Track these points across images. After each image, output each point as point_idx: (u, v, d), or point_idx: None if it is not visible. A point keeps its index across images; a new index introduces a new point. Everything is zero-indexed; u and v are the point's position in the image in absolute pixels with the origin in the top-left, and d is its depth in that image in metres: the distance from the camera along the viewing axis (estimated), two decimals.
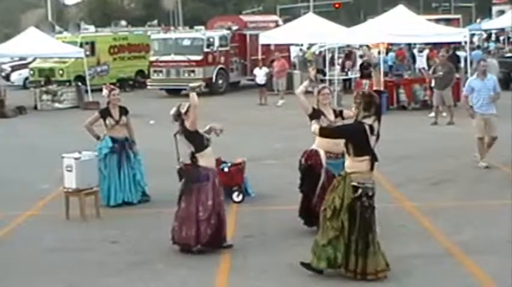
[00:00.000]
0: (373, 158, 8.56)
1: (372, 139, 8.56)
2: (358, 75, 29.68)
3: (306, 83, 10.46)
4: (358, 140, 8.55)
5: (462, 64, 29.90)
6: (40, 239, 10.81)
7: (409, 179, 14.04)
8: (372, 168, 8.56)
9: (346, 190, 8.54)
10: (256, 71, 30.12)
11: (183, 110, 9.74)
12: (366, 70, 27.39)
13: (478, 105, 15.00)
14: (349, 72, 30.83)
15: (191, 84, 9.74)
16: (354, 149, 8.57)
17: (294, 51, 39.02)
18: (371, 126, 8.53)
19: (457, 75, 25.12)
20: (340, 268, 8.60)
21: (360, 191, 8.50)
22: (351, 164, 8.61)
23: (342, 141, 9.98)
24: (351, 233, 8.52)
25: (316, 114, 10.19)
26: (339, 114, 10.42)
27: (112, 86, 13.41)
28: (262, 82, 29.55)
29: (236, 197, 12.51)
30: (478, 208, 11.92)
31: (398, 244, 9.86)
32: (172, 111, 9.81)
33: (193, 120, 9.62)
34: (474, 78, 15.39)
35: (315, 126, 8.92)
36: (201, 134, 9.76)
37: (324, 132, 9.01)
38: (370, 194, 8.56)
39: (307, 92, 10.35)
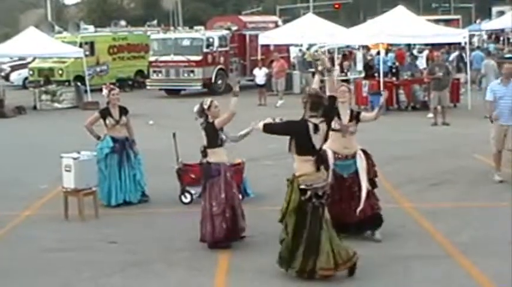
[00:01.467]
0: (318, 159, 8.49)
1: (317, 139, 8.47)
2: (357, 75, 29.69)
3: (317, 77, 9.94)
4: (300, 138, 8.49)
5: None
6: (38, 239, 10.79)
7: (409, 180, 14.03)
8: (318, 169, 8.48)
9: (293, 194, 8.52)
10: (256, 71, 30.12)
11: (206, 106, 9.95)
12: (371, 70, 27.44)
13: (497, 114, 13.37)
14: (348, 73, 30.82)
15: (234, 90, 9.84)
16: (296, 147, 8.53)
17: (294, 52, 38.99)
18: (316, 126, 8.43)
19: (457, 76, 25.12)
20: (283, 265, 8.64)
21: (309, 193, 8.45)
22: (296, 165, 8.57)
23: (349, 144, 9.99)
24: (300, 236, 8.51)
25: None
26: (355, 116, 10.08)
27: (112, 86, 13.39)
28: (262, 83, 29.55)
29: None
30: (478, 209, 11.90)
31: (397, 245, 9.86)
32: (196, 108, 10.00)
33: (225, 122, 9.86)
34: (498, 82, 13.80)
35: (260, 123, 8.78)
36: (218, 133, 9.92)
37: (268, 129, 8.77)
38: (320, 193, 8.49)
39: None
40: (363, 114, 10.29)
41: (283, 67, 30.65)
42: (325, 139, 8.66)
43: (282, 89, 29.42)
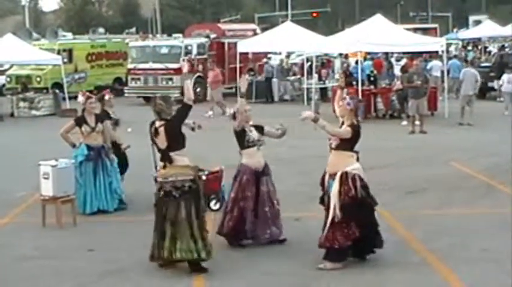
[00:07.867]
0: (163, 157, 9.23)
1: (157, 141, 9.23)
2: (335, 83, 29.73)
3: (339, 92, 10.05)
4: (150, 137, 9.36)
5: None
6: (16, 247, 10.74)
7: (385, 188, 14.06)
8: (164, 166, 9.21)
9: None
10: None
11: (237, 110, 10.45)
12: (348, 78, 27.54)
13: None
14: (326, 81, 30.92)
15: (242, 90, 10.54)
16: None
17: (276, 60, 38.71)
18: (156, 129, 9.19)
19: (432, 85, 25.21)
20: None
21: (158, 185, 9.28)
22: None
23: (333, 161, 9.38)
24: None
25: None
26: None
27: (89, 94, 13.38)
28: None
29: (214, 205, 12.53)
30: (454, 216, 11.99)
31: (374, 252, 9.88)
32: (231, 111, 10.44)
33: (239, 122, 10.24)
34: None
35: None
36: (245, 135, 10.32)
37: None
38: (167, 189, 9.13)
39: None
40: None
41: (218, 77, 30.16)
42: (169, 141, 9.10)
43: (219, 99, 28.84)
